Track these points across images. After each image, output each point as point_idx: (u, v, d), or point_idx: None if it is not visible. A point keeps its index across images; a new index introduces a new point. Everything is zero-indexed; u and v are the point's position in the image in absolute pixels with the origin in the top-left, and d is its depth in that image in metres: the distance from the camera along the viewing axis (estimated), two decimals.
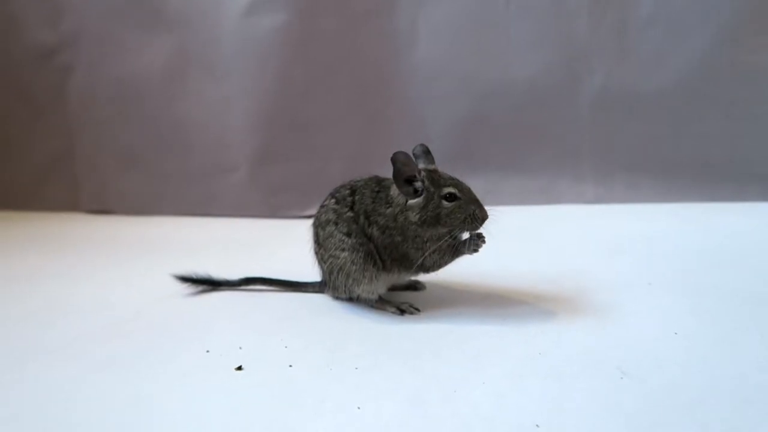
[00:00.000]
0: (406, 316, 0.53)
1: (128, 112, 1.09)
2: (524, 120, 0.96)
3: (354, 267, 0.53)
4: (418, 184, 0.51)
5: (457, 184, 0.51)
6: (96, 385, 0.41)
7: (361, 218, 0.53)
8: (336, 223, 0.54)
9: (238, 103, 1.04)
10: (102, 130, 1.11)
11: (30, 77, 1.12)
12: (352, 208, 0.54)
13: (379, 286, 0.54)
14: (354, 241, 0.53)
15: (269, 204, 1.05)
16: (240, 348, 0.47)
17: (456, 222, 0.51)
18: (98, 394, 0.40)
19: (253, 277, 0.63)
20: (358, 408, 0.37)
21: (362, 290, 0.54)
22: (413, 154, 0.54)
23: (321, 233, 0.56)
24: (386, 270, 0.54)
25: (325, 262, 0.55)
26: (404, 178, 0.51)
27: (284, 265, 0.71)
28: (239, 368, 0.43)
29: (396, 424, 0.35)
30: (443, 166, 0.96)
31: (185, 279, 0.62)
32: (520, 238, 0.78)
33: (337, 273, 0.54)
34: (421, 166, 0.53)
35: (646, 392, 0.37)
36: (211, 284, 0.63)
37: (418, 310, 0.54)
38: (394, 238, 0.52)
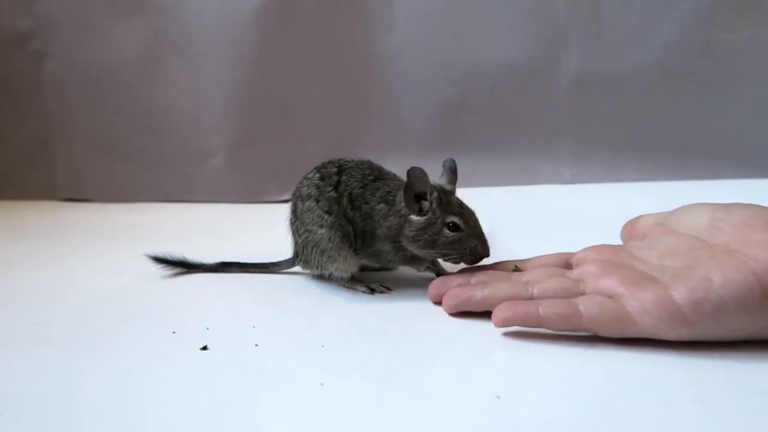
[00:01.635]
0: (377, 295, 0.53)
1: (104, 99, 1.08)
2: (502, 101, 0.96)
3: (330, 245, 0.53)
4: (426, 205, 0.50)
5: (463, 214, 0.50)
6: (62, 368, 0.41)
7: (344, 200, 0.53)
8: (317, 200, 0.53)
9: (215, 88, 1.03)
10: (78, 116, 1.10)
11: (3, 64, 1.10)
12: (336, 188, 0.53)
13: (352, 265, 0.54)
14: (333, 219, 0.52)
15: (247, 189, 1.04)
16: (207, 329, 0.46)
17: (452, 253, 0.50)
18: (64, 376, 0.40)
19: (228, 262, 0.62)
20: (321, 385, 0.37)
21: (335, 268, 0.54)
22: (442, 166, 0.54)
23: (300, 206, 0.55)
24: (358, 254, 0.53)
25: (300, 236, 0.55)
26: (414, 193, 0.50)
27: (262, 249, 0.71)
28: (204, 348, 0.43)
29: (358, 399, 0.35)
30: (423, 149, 0.98)
31: (159, 260, 0.62)
32: (498, 219, 0.77)
33: (312, 248, 0.54)
34: (441, 180, 0.53)
35: (608, 363, 0.37)
36: (185, 267, 0.62)
37: (388, 289, 0.54)
38: (375, 230, 0.52)
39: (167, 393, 0.37)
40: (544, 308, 0.40)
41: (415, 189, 0.49)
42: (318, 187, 0.54)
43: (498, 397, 0.34)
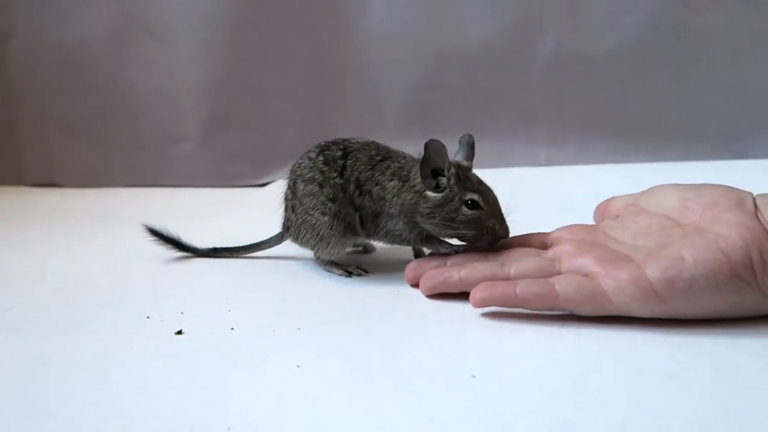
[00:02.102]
0: (354, 277, 0.53)
1: (72, 81, 1.05)
2: (478, 84, 0.96)
3: (331, 232, 0.51)
4: (443, 181, 0.48)
5: (483, 192, 0.48)
6: (33, 354, 0.40)
7: (351, 186, 0.51)
8: (321, 185, 0.51)
9: (187, 69, 1.01)
10: (45, 99, 1.07)
11: None
12: (341, 174, 0.51)
13: (342, 251, 0.53)
14: (337, 208, 0.51)
15: (222, 173, 1.03)
16: (182, 313, 0.46)
17: (469, 231, 0.48)
18: (35, 363, 0.39)
19: (219, 248, 0.61)
20: (298, 366, 0.37)
21: (326, 252, 0.53)
22: (459, 142, 0.52)
23: (301, 186, 0.53)
24: (362, 235, 0.52)
25: (297, 215, 0.53)
26: (431, 168, 0.47)
27: (238, 234, 0.70)
28: (179, 332, 0.42)
29: (334, 380, 0.35)
30: (398, 131, 0.97)
31: (154, 233, 0.60)
32: None
33: (308, 229, 0.52)
34: (458, 156, 0.51)
35: (581, 341, 0.38)
36: (178, 247, 0.60)
37: (366, 272, 0.54)
38: (386, 209, 0.50)
39: (141, 378, 0.36)
40: (521, 288, 0.41)
41: (433, 164, 0.47)
42: (322, 172, 0.51)
43: (473, 377, 0.34)
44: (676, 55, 0.91)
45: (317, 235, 0.52)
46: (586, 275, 0.41)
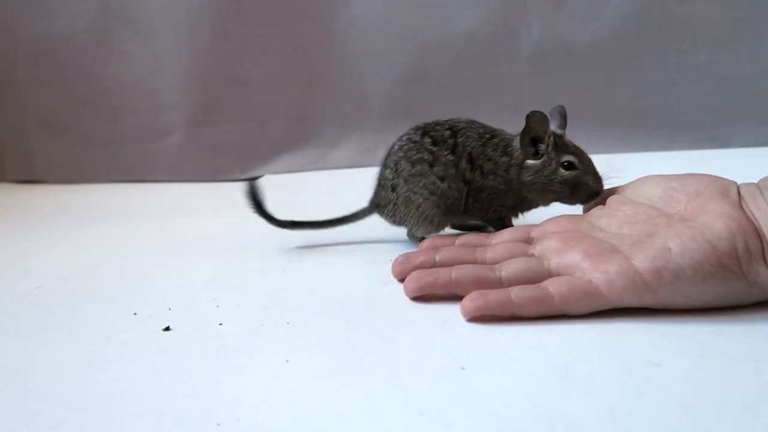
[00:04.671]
0: (348, 269, 0.53)
1: (52, 75, 1.04)
2: (463, 74, 0.95)
3: (435, 211, 0.54)
4: (542, 147, 0.51)
5: (578, 153, 0.52)
6: (17, 353, 0.40)
7: (463, 162, 0.53)
8: (431, 165, 0.53)
9: (169, 62, 1.00)
10: (25, 94, 1.05)
11: None
12: (453, 151, 0.54)
13: (439, 230, 0.56)
14: (446, 186, 0.53)
15: (208, 167, 1.02)
16: (169, 309, 0.46)
17: (567, 191, 0.52)
18: (19, 361, 0.38)
19: (300, 221, 0.61)
20: (287, 361, 0.37)
21: (424, 230, 0.56)
22: (549, 114, 0.54)
23: (407, 167, 0.54)
24: (460, 214, 0.55)
25: (398, 194, 0.55)
26: (531, 136, 0.51)
27: (225, 229, 0.70)
28: (167, 329, 0.42)
29: (322, 373, 0.35)
30: (383, 122, 0.97)
31: (253, 193, 0.60)
32: None
33: (411, 207, 0.54)
34: (552, 127, 0.53)
35: (567, 331, 0.38)
36: (260, 211, 0.60)
37: None
38: (497, 185, 0.53)
39: (128, 375, 0.36)
40: (516, 294, 0.40)
41: (533, 133, 0.51)
42: (432, 152, 0.54)
43: (462, 368, 0.35)
44: (659, 45, 0.91)
45: (420, 213, 0.54)
46: (575, 271, 0.41)
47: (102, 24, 1.01)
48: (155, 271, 0.56)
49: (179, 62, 1.00)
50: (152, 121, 1.02)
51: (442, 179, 0.53)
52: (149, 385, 0.35)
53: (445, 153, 0.53)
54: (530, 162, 0.52)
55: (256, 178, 0.89)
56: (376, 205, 0.59)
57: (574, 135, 0.94)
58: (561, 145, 0.52)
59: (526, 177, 0.52)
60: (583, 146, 0.93)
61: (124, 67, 1.02)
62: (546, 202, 0.55)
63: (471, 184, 0.54)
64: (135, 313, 0.45)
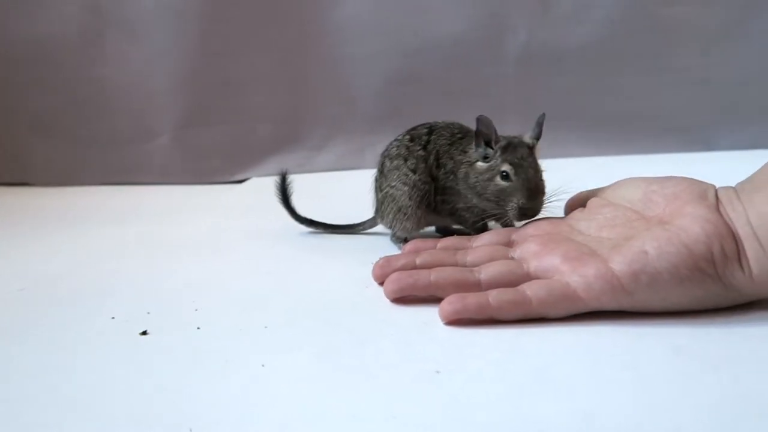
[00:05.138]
0: (326, 273, 0.53)
1: (41, 76, 1.03)
2: (451, 77, 0.95)
3: (410, 203, 0.54)
4: (489, 151, 0.50)
5: (521, 165, 0.49)
6: None
7: (431, 158, 0.54)
8: (405, 159, 0.55)
9: (159, 64, 1.00)
10: (13, 95, 1.04)
11: None
12: (425, 148, 0.55)
13: (417, 228, 0.56)
14: (417, 178, 0.54)
15: (196, 169, 1.02)
16: (148, 313, 0.45)
17: (498, 205, 0.50)
18: None
19: (316, 221, 0.64)
20: (263, 365, 0.36)
21: (402, 227, 0.56)
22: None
23: (387, 164, 0.57)
24: (436, 211, 0.55)
25: (381, 191, 0.57)
26: (484, 140, 0.51)
27: (210, 232, 0.70)
28: (144, 333, 0.42)
29: (299, 377, 0.35)
30: (371, 124, 0.97)
31: (284, 183, 0.64)
32: None
33: (390, 202, 0.56)
34: (527, 134, 0.52)
35: (543, 334, 0.38)
36: (285, 203, 0.64)
37: None
38: (453, 185, 0.53)
39: (102, 380, 0.36)
40: (494, 297, 0.40)
41: (483, 135, 0.50)
42: (407, 148, 0.56)
43: (438, 372, 0.34)
44: (645, 48, 0.92)
45: (397, 207, 0.55)
46: (554, 274, 0.41)
47: (90, 26, 1.00)
48: (137, 275, 0.55)
49: (168, 64, 1.00)
50: (141, 123, 1.02)
51: (414, 171, 0.55)
52: (123, 390, 0.34)
53: (418, 149, 0.55)
54: (479, 164, 0.51)
55: (241, 180, 0.89)
56: (376, 211, 0.60)
57: (561, 137, 0.95)
58: (511, 152, 0.50)
59: (471, 178, 0.51)
60: (569, 149, 0.94)
61: (114, 69, 1.01)
62: (486, 213, 0.52)
63: (437, 181, 0.54)
64: (113, 317, 0.45)
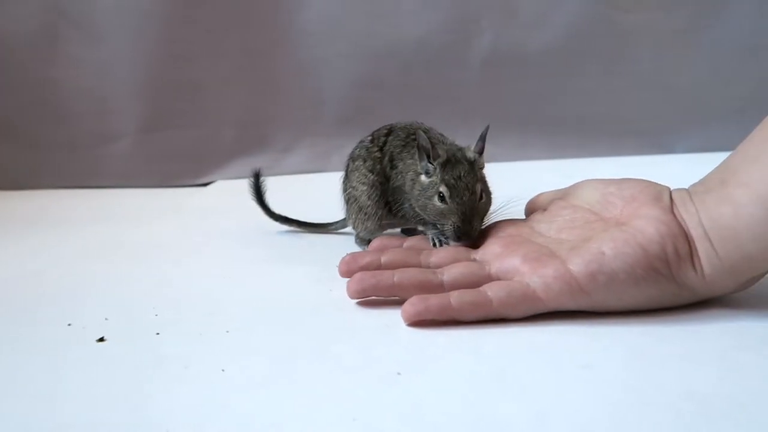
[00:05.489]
0: (292, 275, 0.53)
1: None
2: (416, 80, 0.96)
3: (369, 202, 0.55)
4: (430, 167, 0.49)
5: (456, 187, 0.48)
6: None
7: (386, 159, 0.55)
8: (365, 160, 0.56)
9: (118, 66, 0.98)
10: None
11: None
12: (381, 149, 0.55)
13: (378, 230, 0.56)
14: (374, 178, 0.55)
15: (159, 173, 1.00)
16: (105, 319, 0.44)
17: (438, 224, 0.49)
18: None
19: (291, 218, 0.65)
20: (223, 370, 0.36)
21: (364, 228, 0.56)
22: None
23: (350, 165, 0.58)
24: (392, 212, 0.55)
25: (345, 192, 0.58)
26: (426, 154, 0.49)
27: (171, 237, 0.69)
28: (101, 339, 0.41)
29: (258, 382, 0.35)
30: (337, 128, 0.97)
31: (257, 181, 0.64)
32: None
33: (352, 203, 0.57)
34: (471, 147, 0.51)
35: (502, 335, 0.39)
36: (260, 202, 0.65)
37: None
38: (402, 185, 0.53)
39: (55, 389, 0.35)
40: (456, 298, 0.40)
41: (424, 150, 0.49)
42: (367, 149, 0.57)
43: (399, 374, 0.35)
44: (605, 53, 0.94)
45: (358, 207, 0.56)
46: (514, 275, 0.42)
47: (48, 26, 0.97)
48: (95, 280, 0.54)
49: (129, 66, 0.98)
50: (100, 126, 0.99)
51: (371, 171, 0.55)
52: (77, 398, 0.34)
53: (375, 150, 0.56)
54: (422, 178, 0.50)
55: (206, 183, 0.88)
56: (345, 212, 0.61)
57: (523, 140, 0.96)
58: (449, 171, 0.48)
59: (416, 191, 0.51)
60: (531, 152, 0.96)
61: (71, 70, 0.98)
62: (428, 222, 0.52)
63: (390, 181, 0.55)
64: (69, 324, 0.44)
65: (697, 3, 0.94)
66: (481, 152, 0.51)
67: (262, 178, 0.65)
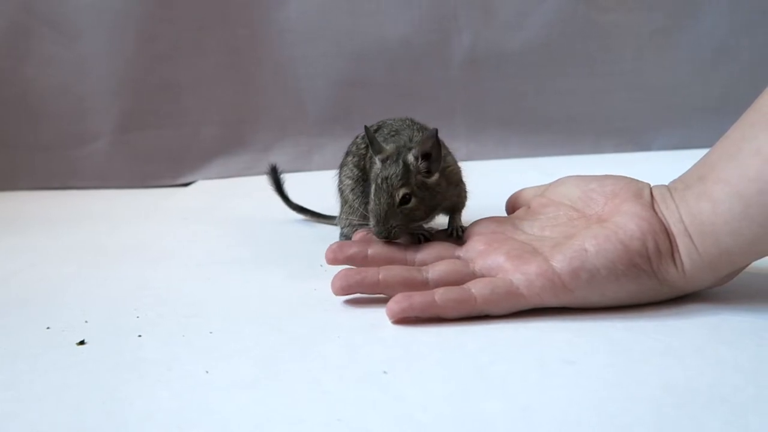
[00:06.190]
0: (275, 275, 0.52)
1: None
2: (398, 79, 0.96)
3: (353, 196, 0.56)
4: (375, 161, 0.49)
5: (379, 187, 0.47)
6: None
7: (368, 155, 0.55)
8: (353, 155, 0.57)
9: (95, 65, 0.97)
10: None
11: None
12: (368, 145, 0.54)
13: (362, 225, 0.53)
14: (359, 174, 0.56)
15: (137, 173, 0.99)
16: (86, 322, 0.44)
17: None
18: None
19: (307, 208, 0.68)
20: (206, 372, 0.36)
21: (349, 222, 0.56)
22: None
23: (343, 160, 0.59)
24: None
25: (337, 186, 0.59)
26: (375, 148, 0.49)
27: (152, 238, 0.68)
28: (81, 343, 0.40)
29: (243, 384, 0.34)
30: (320, 127, 0.97)
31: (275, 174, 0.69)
32: None
33: (341, 197, 0.58)
34: (413, 150, 0.47)
35: (486, 332, 0.39)
36: (279, 190, 0.69)
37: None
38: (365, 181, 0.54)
39: (34, 393, 0.34)
40: (440, 296, 0.41)
41: (370, 143, 0.49)
42: (357, 145, 0.57)
43: (384, 372, 0.35)
44: (584, 53, 0.95)
45: (344, 201, 0.57)
46: (498, 272, 0.42)
47: (22, 24, 0.96)
48: (74, 282, 0.53)
49: (105, 65, 0.97)
50: (77, 126, 0.98)
51: (357, 166, 0.56)
52: (56, 402, 0.33)
53: (363, 146, 0.56)
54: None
55: (186, 184, 0.87)
56: None
57: (507, 139, 0.97)
58: (383, 170, 0.47)
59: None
60: (512, 150, 0.96)
61: (46, 70, 0.97)
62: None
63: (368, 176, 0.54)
64: (48, 327, 0.43)
65: (675, 2, 0.95)
66: (425, 157, 0.47)
67: (279, 171, 0.68)
